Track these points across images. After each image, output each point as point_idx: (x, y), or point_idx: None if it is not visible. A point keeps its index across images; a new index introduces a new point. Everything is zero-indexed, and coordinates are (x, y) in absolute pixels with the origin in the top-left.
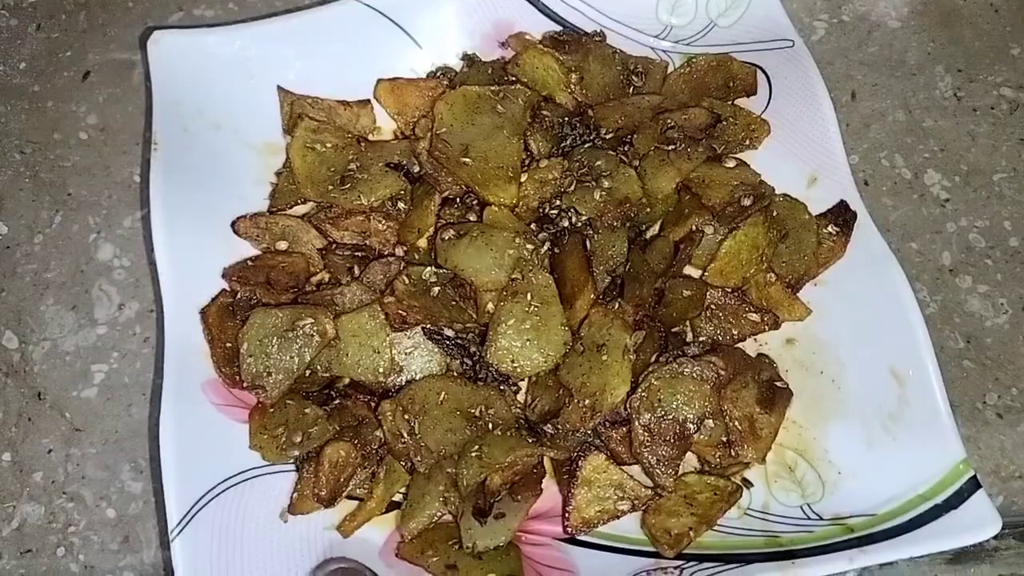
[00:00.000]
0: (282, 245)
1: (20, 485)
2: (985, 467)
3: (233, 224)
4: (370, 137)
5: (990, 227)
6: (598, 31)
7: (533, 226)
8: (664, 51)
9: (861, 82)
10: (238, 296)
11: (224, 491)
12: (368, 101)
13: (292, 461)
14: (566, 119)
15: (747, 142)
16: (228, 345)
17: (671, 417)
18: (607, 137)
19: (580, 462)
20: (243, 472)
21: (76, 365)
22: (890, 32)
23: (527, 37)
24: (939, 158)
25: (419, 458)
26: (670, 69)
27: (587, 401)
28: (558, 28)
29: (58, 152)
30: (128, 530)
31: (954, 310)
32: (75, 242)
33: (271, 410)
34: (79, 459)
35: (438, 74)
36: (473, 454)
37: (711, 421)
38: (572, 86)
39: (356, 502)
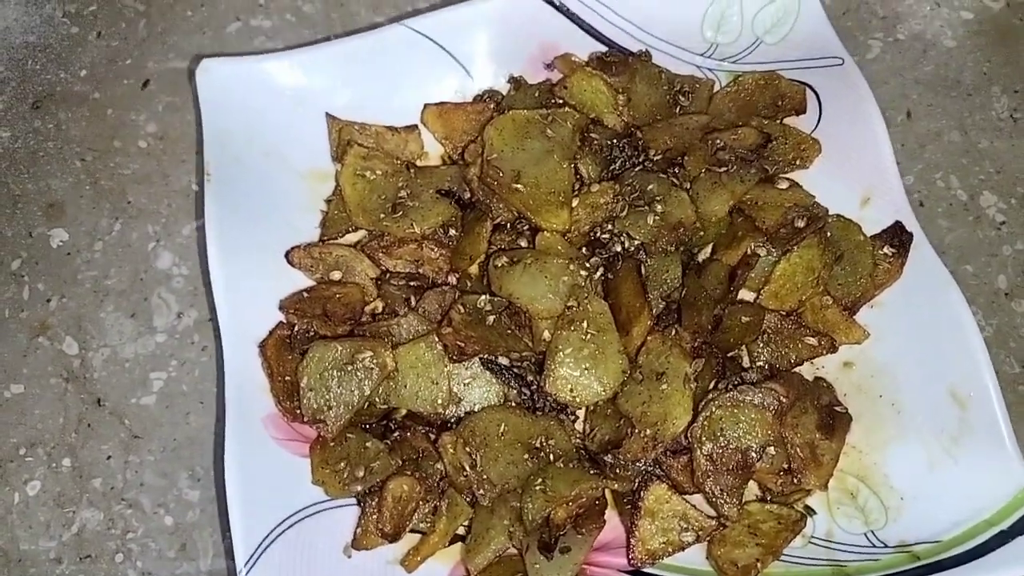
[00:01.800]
0: (336, 275)
1: (80, 491)
2: None
3: (287, 254)
4: (418, 163)
5: None
6: (644, 50)
7: (585, 251)
8: (710, 69)
9: (916, 102)
10: (296, 329)
11: (289, 527)
12: (415, 126)
13: (354, 495)
14: (615, 142)
15: (797, 162)
16: (288, 379)
17: (733, 446)
18: (656, 159)
19: (642, 492)
20: (307, 508)
21: (135, 372)
22: (946, 51)
23: (573, 59)
24: (995, 180)
25: (482, 491)
26: (716, 88)
27: (648, 431)
28: (603, 48)
29: (118, 160)
30: (185, 538)
31: (1009, 334)
32: (135, 250)
33: (332, 444)
34: (137, 466)
35: (485, 98)
36: (537, 488)
37: (772, 448)
38: (620, 108)
39: (419, 535)
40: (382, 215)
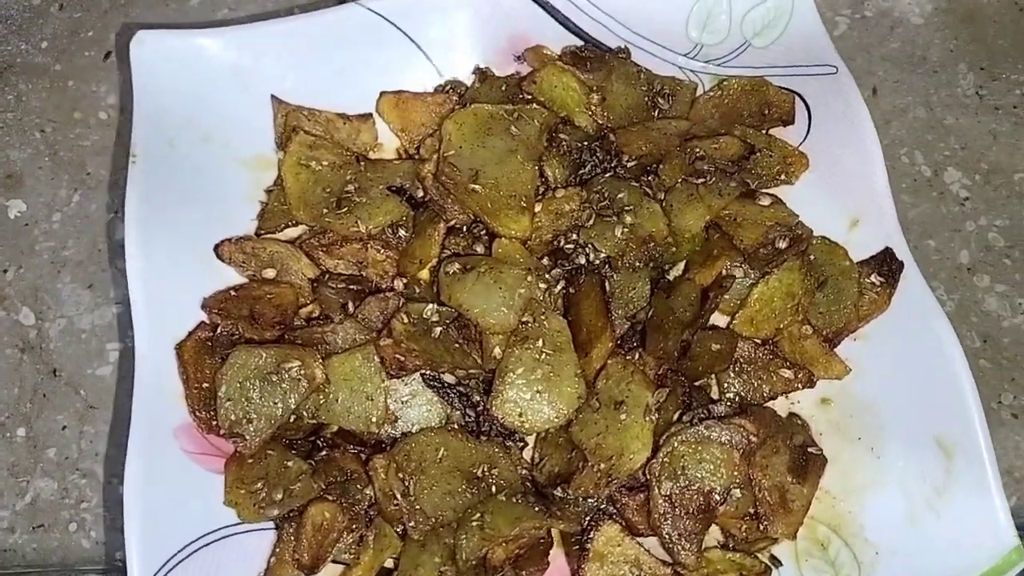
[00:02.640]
0: (269, 273)
1: (34, 460)
2: (999, 468)
3: (216, 248)
4: (371, 155)
5: (1009, 226)
6: (622, 47)
7: (545, 262)
8: (693, 71)
9: (882, 78)
10: (218, 330)
11: (194, 552)
12: (370, 115)
13: (271, 520)
14: (585, 144)
15: (782, 176)
16: (205, 386)
17: (695, 487)
18: (629, 165)
19: (592, 533)
20: (216, 531)
21: (91, 343)
22: (913, 28)
23: (545, 52)
24: (959, 156)
25: (413, 523)
26: (699, 91)
27: (602, 465)
28: (579, 43)
29: (78, 131)
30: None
31: (971, 309)
32: (93, 221)
33: (250, 461)
34: (92, 436)
35: (447, 89)
36: (474, 523)
37: (738, 491)
38: (593, 107)
39: (342, 567)
40: (325, 210)
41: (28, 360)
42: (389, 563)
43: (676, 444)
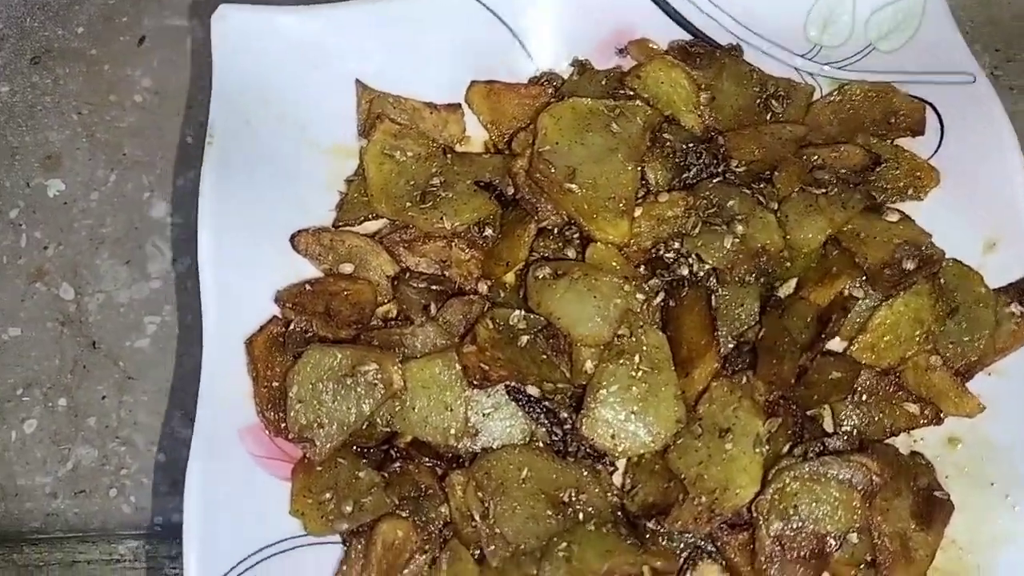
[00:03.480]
0: (347, 268)
1: (75, 429)
2: None
3: (293, 238)
4: (458, 148)
5: None
6: (734, 44)
7: (644, 271)
8: (811, 74)
9: None
10: (291, 326)
11: (257, 564)
12: (459, 106)
13: (339, 534)
14: (691, 146)
15: (910, 192)
16: (275, 385)
17: (809, 528)
18: (739, 171)
19: (689, 573)
20: (279, 542)
21: (129, 316)
22: None
23: (651, 45)
24: None
25: (492, 548)
26: (816, 96)
27: (704, 498)
28: (687, 38)
29: (113, 114)
30: (178, 475)
31: None
32: (129, 199)
33: (319, 469)
34: (132, 405)
35: (543, 81)
36: (560, 554)
37: (855, 536)
38: (701, 107)
39: None
40: (408, 204)
41: (68, 333)
42: None
43: (788, 480)
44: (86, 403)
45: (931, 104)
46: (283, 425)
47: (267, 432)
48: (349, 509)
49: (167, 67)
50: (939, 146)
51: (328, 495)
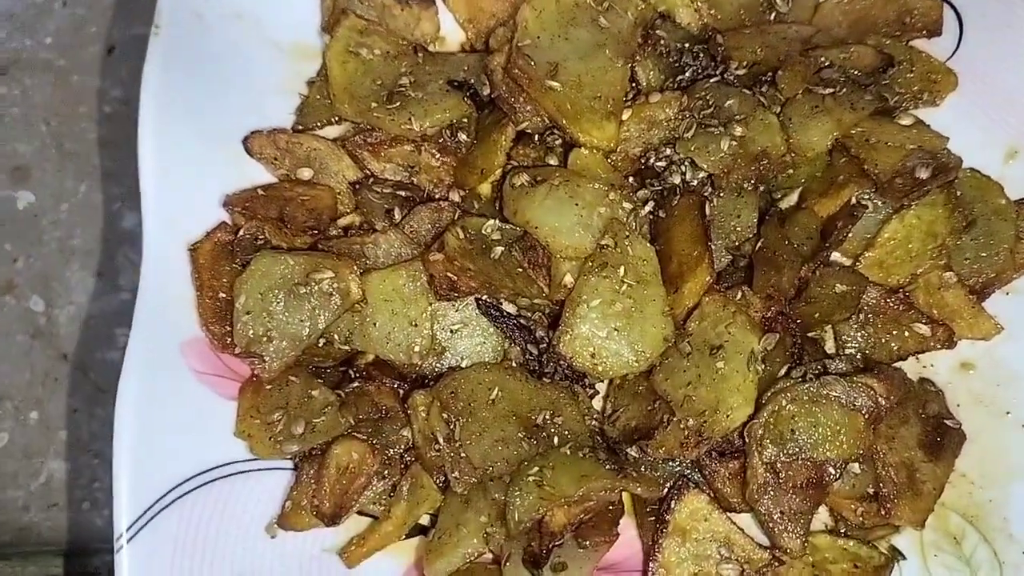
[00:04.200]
0: (305, 173)
1: (47, 442)
2: None
3: (245, 140)
4: (430, 48)
5: None
6: None
7: (632, 181)
8: None
9: None
10: (240, 233)
11: (195, 488)
12: (433, 2)
13: (289, 458)
14: (686, 45)
15: (924, 96)
16: (221, 296)
17: (806, 456)
18: (739, 74)
19: (673, 502)
20: (223, 466)
21: (100, 328)
22: None
23: None
24: None
25: (457, 473)
26: None
27: (691, 421)
28: None
29: (83, 125)
30: None
31: None
32: (99, 211)
33: (268, 387)
34: (103, 418)
35: None
36: (531, 478)
37: (857, 465)
38: (699, 2)
39: (369, 520)
40: (374, 104)
41: (39, 346)
42: (425, 519)
43: (785, 402)
44: (58, 416)
45: (949, 2)
46: (229, 339)
47: (212, 346)
48: (300, 430)
49: (137, 77)
50: (957, 48)
51: (277, 415)
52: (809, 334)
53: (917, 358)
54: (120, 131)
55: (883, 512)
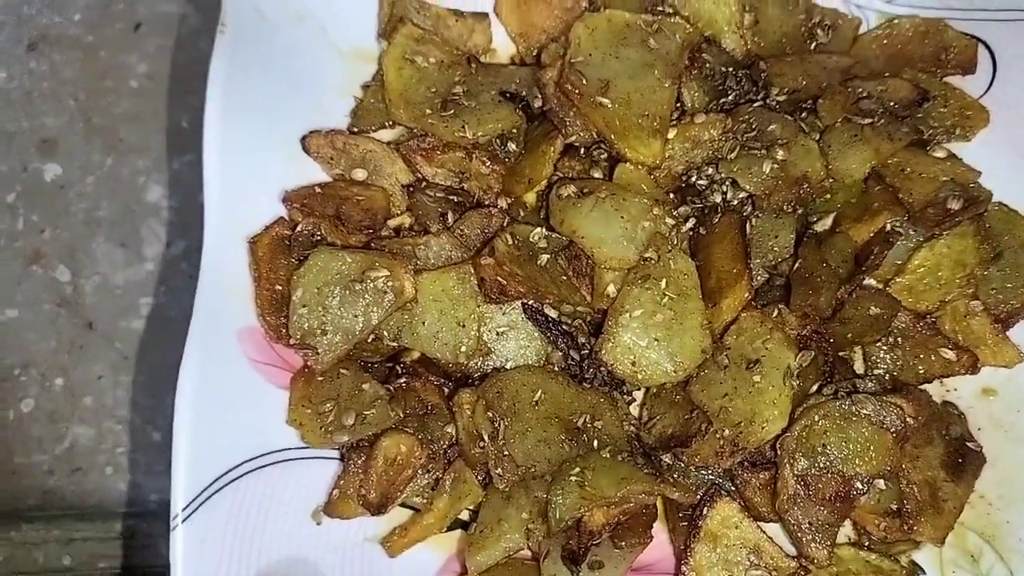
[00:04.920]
0: (360, 174)
1: (72, 408)
2: None
3: (304, 139)
4: (482, 59)
5: None
6: None
7: (673, 197)
8: (858, 6)
9: None
10: (298, 228)
11: (247, 473)
12: (486, 15)
13: (338, 448)
14: (731, 69)
15: (957, 131)
16: (278, 288)
17: (836, 470)
18: (780, 99)
19: (706, 509)
20: (275, 452)
21: (125, 298)
22: None
23: None
24: None
25: (500, 471)
26: (863, 29)
27: (727, 432)
28: None
29: (110, 99)
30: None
31: None
32: (125, 183)
33: (320, 378)
34: (127, 385)
35: None
36: (572, 478)
37: (882, 481)
38: (744, 29)
39: (411, 512)
40: (428, 111)
41: (65, 314)
42: (465, 515)
43: (817, 418)
44: (83, 383)
45: (984, 41)
46: (284, 331)
47: (267, 337)
48: (351, 421)
49: (163, 53)
50: (990, 86)
51: (328, 406)
52: (839, 354)
53: (941, 382)
54: (146, 106)
55: (905, 528)
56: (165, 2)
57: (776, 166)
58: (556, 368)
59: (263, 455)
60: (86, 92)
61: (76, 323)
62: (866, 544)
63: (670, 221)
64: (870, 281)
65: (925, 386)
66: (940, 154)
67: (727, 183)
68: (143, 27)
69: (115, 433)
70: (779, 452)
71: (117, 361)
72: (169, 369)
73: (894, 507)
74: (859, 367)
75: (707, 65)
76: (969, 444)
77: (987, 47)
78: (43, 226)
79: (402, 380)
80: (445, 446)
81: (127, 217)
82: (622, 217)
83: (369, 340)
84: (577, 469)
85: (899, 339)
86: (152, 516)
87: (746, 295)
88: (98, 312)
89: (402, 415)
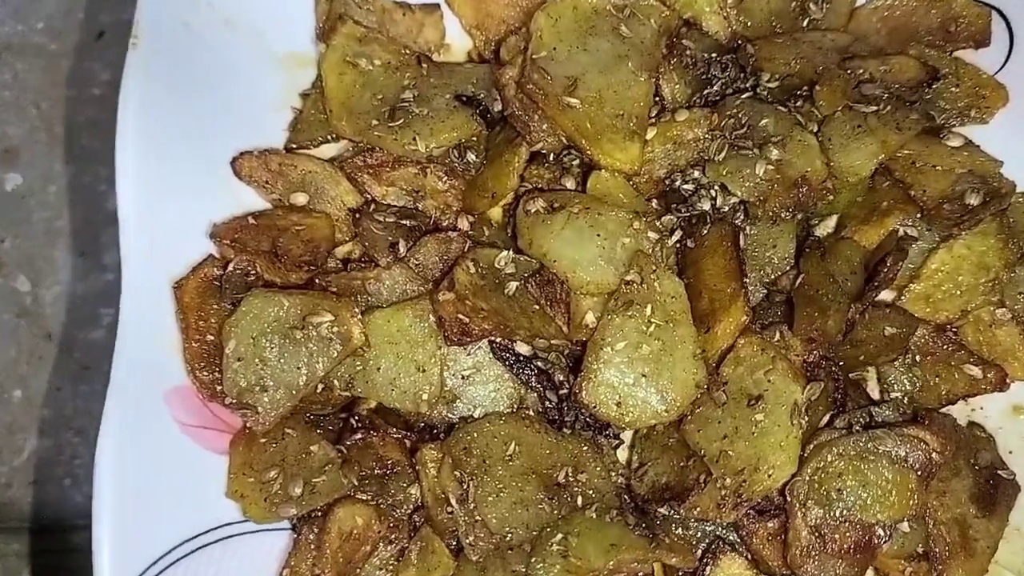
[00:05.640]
0: (300, 198)
1: (30, 419)
2: None
3: (234, 162)
4: (435, 57)
5: None
6: None
7: (657, 205)
8: None
9: None
10: (230, 268)
11: (186, 556)
12: (437, 6)
13: (287, 519)
14: (714, 56)
15: (972, 112)
16: (209, 339)
17: (854, 517)
18: (771, 86)
19: (709, 568)
20: (213, 530)
21: (85, 308)
22: None
23: None
24: None
25: (471, 539)
26: (860, 1)
27: (729, 480)
28: None
29: (72, 107)
30: None
31: None
32: (86, 193)
33: (262, 441)
34: (86, 395)
35: None
36: (555, 547)
37: (907, 524)
38: (728, 9)
39: None
40: (375, 122)
41: (24, 325)
42: None
43: (831, 458)
44: (41, 394)
45: (998, 9)
46: (219, 388)
47: (200, 396)
48: (298, 491)
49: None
50: (1007, 60)
51: (273, 473)
52: (851, 375)
53: (966, 401)
54: (108, 114)
55: (934, 573)
56: (128, 10)
57: (771, 167)
58: (532, 413)
59: (202, 533)
60: (48, 100)
61: (36, 333)
62: None
63: (653, 236)
64: (883, 295)
65: (948, 407)
66: (955, 142)
67: (716, 187)
68: (106, 35)
69: (73, 445)
70: (789, 499)
71: (77, 372)
72: None
73: (920, 550)
74: (872, 387)
75: (688, 52)
76: (1001, 472)
77: (1002, 15)
78: (3, 236)
79: (358, 436)
80: (409, 510)
81: (88, 226)
82: (598, 235)
83: (318, 391)
84: (559, 536)
85: (917, 357)
86: None
87: (743, 318)
88: (58, 322)
89: (356, 480)
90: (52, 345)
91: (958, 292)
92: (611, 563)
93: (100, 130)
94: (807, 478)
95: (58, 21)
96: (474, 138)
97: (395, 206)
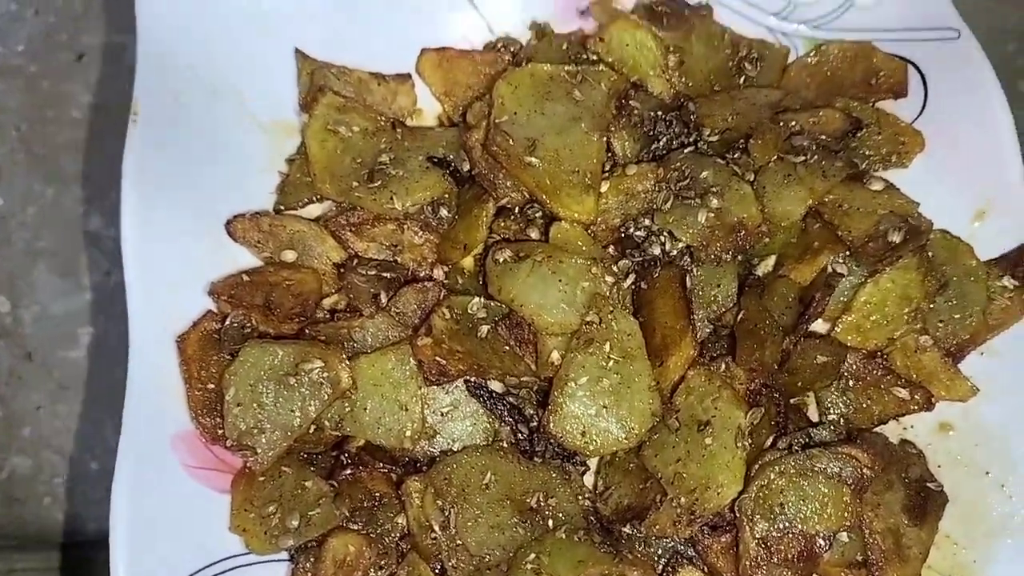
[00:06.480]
0: (290, 255)
1: (9, 439)
2: None
3: (228, 224)
4: (408, 122)
5: None
6: (703, 3)
7: (612, 251)
8: (785, 34)
9: None
10: (228, 321)
11: None
12: (409, 76)
13: (285, 550)
14: (660, 114)
15: (893, 159)
16: (211, 387)
17: (796, 529)
18: (712, 140)
19: None
20: (218, 562)
21: (64, 328)
22: None
23: (615, 6)
24: None
25: (454, 562)
26: (791, 57)
27: (683, 499)
28: None
29: (52, 129)
30: (111, 482)
31: None
32: (66, 213)
33: (261, 479)
34: (66, 415)
35: (499, 47)
36: (529, 566)
37: (845, 534)
38: (670, 71)
39: None
40: (355, 183)
41: (4, 344)
42: None
43: (773, 476)
44: (21, 413)
45: (913, 63)
46: (220, 431)
47: (203, 440)
48: (295, 524)
49: (105, 82)
50: (923, 108)
51: (272, 508)
52: (791, 401)
53: (898, 421)
54: (88, 135)
55: None
56: (108, 32)
57: (711, 215)
58: (505, 445)
59: (208, 566)
60: (28, 122)
61: (15, 353)
62: None
63: (610, 279)
64: (816, 324)
65: (881, 426)
66: (877, 186)
67: (664, 234)
68: (86, 57)
69: (53, 463)
70: (737, 515)
71: (56, 391)
72: (108, 399)
73: (859, 558)
74: (813, 411)
75: (635, 112)
76: (930, 484)
77: (917, 68)
78: None
79: (347, 471)
80: (397, 538)
81: (67, 246)
82: (560, 280)
83: (311, 431)
84: (533, 555)
85: (851, 382)
86: (91, 546)
87: (692, 352)
88: (37, 342)
89: (348, 512)
90: (32, 365)
91: (885, 322)
92: None
93: (80, 152)
94: (753, 495)
95: (38, 43)
96: (446, 195)
97: (376, 260)
